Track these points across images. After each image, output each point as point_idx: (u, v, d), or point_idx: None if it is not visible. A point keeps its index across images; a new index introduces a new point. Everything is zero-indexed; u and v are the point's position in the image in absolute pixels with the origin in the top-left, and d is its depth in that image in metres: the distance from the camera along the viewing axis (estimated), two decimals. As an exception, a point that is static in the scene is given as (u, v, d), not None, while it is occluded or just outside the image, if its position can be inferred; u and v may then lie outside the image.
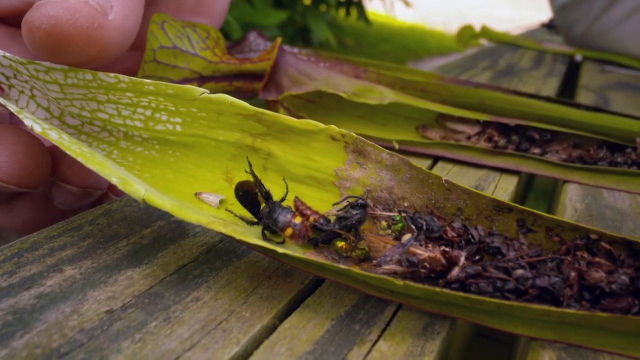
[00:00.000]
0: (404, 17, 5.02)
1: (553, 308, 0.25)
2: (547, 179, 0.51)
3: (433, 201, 0.31)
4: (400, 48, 3.24)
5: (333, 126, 0.32)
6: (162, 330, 0.26)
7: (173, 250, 0.33)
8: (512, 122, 0.51)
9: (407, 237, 0.28)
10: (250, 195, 0.30)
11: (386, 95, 0.51)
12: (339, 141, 0.32)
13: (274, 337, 0.27)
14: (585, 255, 0.28)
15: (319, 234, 0.31)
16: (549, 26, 1.94)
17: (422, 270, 0.27)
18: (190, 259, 0.32)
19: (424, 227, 0.28)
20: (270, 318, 0.28)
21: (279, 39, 0.53)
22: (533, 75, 0.98)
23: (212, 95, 0.33)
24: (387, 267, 0.28)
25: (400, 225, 0.29)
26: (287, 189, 0.31)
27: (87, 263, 0.31)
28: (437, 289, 0.25)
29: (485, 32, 1.32)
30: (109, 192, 0.43)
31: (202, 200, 0.33)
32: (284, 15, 2.11)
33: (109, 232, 0.34)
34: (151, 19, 0.48)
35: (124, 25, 0.34)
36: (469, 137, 0.52)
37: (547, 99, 0.66)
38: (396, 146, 0.50)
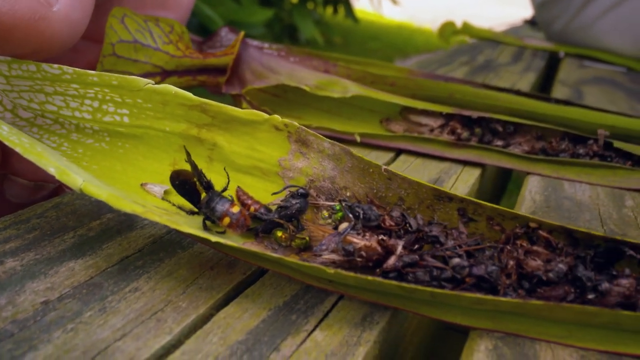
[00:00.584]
0: (392, 15, 5.02)
1: (486, 296, 0.25)
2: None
3: (375, 190, 0.31)
4: (388, 46, 3.24)
5: (276, 116, 0.32)
6: (95, 320, 0.26)
7: (119, 242, 0.33)
8: (475, 114, 0.51)
9: (343, 225, 0.28)
10: (189, 184, 0.30)
11: (349, 89, 0.51)
12: (282, 131, 0.32)
13: (208, 327, 0.27)
14: (524, 243, 0.28)
15: (260, 224, 0.30)
16: (532, 23, 1.94)
17: (359, 259, 0.27)
18: (135, 251, 0.32)
19: (361, 216, 0.28)
20: (207, 308, 0.28)
21: (242, 33, 0.53)
22: (510, 70, 0.98)
23: (157, 86, 0.33)
24: (327, 256, 0.28)
25: (340, 214, 0.29)
26: (228, 178, 0.31)
27: (29, 255, 0.31)
28: (370, 278, 0.25)
29: (467, 28, 1.32)
30: (63, 185, 0.43)
31: (147, 190, 0.33)
32: (270, 13, 2.11)
33: (57, 224, 0.34)
34: (110, 12, 0.47)
35: (69, 17, 0.33)
36: (432, 130, 0.52)
37: (517, 93, 0.66)
38: (358, 139, 0.50)
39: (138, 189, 0.34)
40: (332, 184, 0.31)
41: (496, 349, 0.26)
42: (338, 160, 0.31)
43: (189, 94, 0.32)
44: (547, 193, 0.45)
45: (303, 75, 0.52)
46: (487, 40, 1.34)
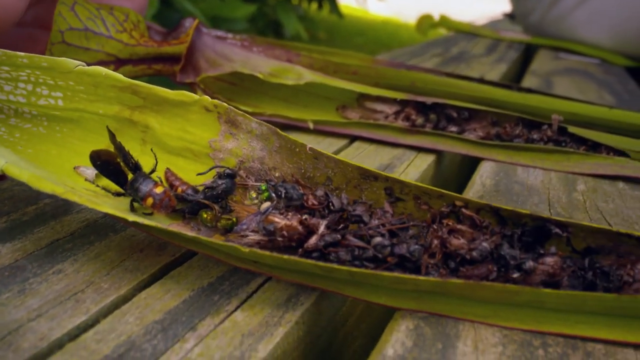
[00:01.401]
0: (377, 10, 5.02)
1: (406, 275, 0.25)
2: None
3: (303, 171, 0.30)
4: (374, 41, 3.24)
5: (206, 97, 0.31)
6: (12, 302, 0.26)
7: (52, 227, 0.32)
8: (429, 100, 0.50)
9: (265, 205, 0.28)
10: (113, 165, 0.29)
11: (304, 76, 0.51)
12: (212, 112, 0.31)
13: (126, 307, 0.26)
14: (450, 223, 0.28)
15: (187, 205, 0.30)
16: (511, 16, 1.94)
17: (280, 239, 0.27)
18: (66, 234, 0.32)
19: (283, 195, 0.28)
20: (130, 289, 0.27)
21: (196, 21, 0.53)
22: (482, 62, 0.98)
23: (87, 68, 0.32)
24: (252, 237, 0.28)
25: (266, 194, 0.29)
26: (156, 160, 0.31)
27: (-43, 240, 0.30)
28: (286, 257, 0.25)
29: (444, 21, 1.32)
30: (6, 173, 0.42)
31: (79, 173, 0.33)
32: (253, 8, 2.10)
33: (-9, 210, 0.34)
34: (59, 0, 0.47)
35: (3, 2, 0.33)
36: (387, 117, 0.51)
37: (480, 81, 0.66)
38: (311, 126, 0.50)
39: (72, 172, 0.34)
40: (261, 164, 0.31)
41: (417, 329, 0.26)
42: (266, 140, 0.31)
43: (119, 75, 0.32)
44: (499, 178, 0.45)
45: (257, 63, 0.52)
46: (464, 33, 1.34)
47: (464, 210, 0.28)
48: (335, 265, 0.25)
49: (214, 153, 0.32)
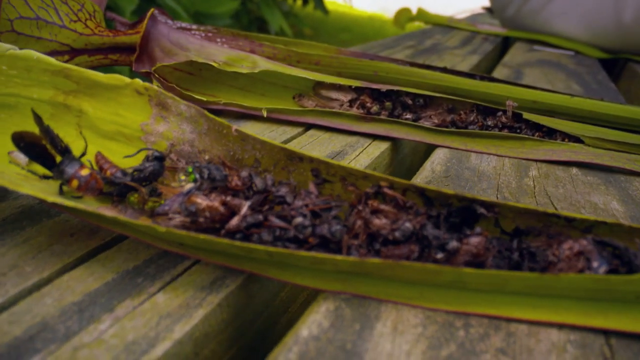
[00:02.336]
0: (363, 6, 5.02)
1: (324, 255, 0.25)
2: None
3: (232, 153, 0.30)
4: (359, 37, 3.23)
5: (137, 80, 0.31)
6: None
7: (-16, 213, 0.32)
8: (384, 87, 0.50)
9: (188, 186, 0.27)
10: (38, 148, 0.29)
11: (259, 64, 0.51)
12: (143, 95, 0.31)
13: (46, 290, 0.26)
14: (375, 203, 0.27)
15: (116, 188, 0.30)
16: (490, 10, 1.94)
17: (201, 220, 0.26)
18: (-2, 220, 0.31)
19: (206, 176, 0.27)
20: (53, 272, 0.27)
21: (151, 10, 0.52)
22: (454, 53, 0.98)
23: (19, 51, 0.32)
24: (179, 219, 0.28)
25: (192, 176, 0.28)
26: (86, 143, 0.31)
27: None
28: (202, 236, 0.24)
29: (421, 14, 1.32)
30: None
31: (13, 158, 0.33)
32: (236, 4, 2.09)
33: None
34: (10, -13, 0.46)
35: None
36: (342, 105, 0.51)
37: (443, 70, 0.65)
38: (264, 114, 0.49)
39: (6, 157, 0.33)
40: (191, 147, 0.30)
41: (337, 310, 0.26)
42: (195, 122, 0.30)
43: (51, 59, 0.31)
44: (450, 164, 0.45)
45: (212, 52, 0.51)
46: (442, 26, 1.34)
47: (386, 190, 0.28)
48: (252, 245, 0.24)
49: (146, 136, 0.31)
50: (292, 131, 0.49)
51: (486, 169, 0.45)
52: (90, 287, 0.26)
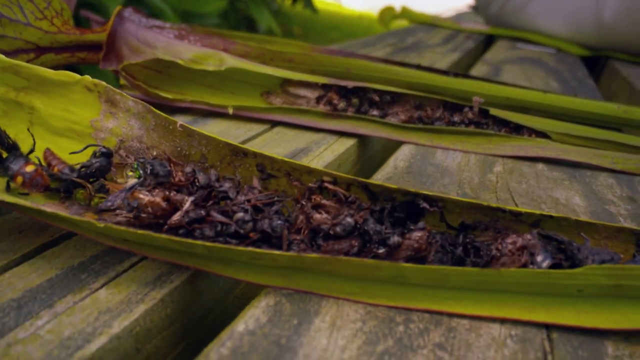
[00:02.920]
0: (353, 5, 5.02)
1: (261, 250, 0.25)
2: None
3: (179, 149, 0.30)
4: (349, 36, 3.23)
5: (87, 76, 0.31)
6: None
7: None
8: (350, 84, 0.50)
9: (131, 182, 0.27)
10: (-18, 144, 0.29)
11: (226, 61, 0.50)
12: (93, 91, 0.31)
13: (-15, 287, 0.26)
14: (318, 198, 0.27)
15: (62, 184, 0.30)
16: (476, 8, 1.94)
17: (144, 215, 0.26)
18: (-55, 219, 0.31)
19: (149, 172, 0.27)
20: (-4, 270, 0.27)
21: (118, 8, 0.52)
22: (435, 51, 0.98)
23: (-33, 48, 0.32)
24: (125, 215, 0.28)
25: (138, 172, 0.28)
26: (34, 140, 0.30)
27: None
28: (140, 232, 0.24)
29: (406, 12, 1.32)
30: None
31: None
32: (223, 3, 2.09)
33: None
34: (-28, -14, 0.46)
35: None
36: (309, 102, 0.51)
37: (417, 67, 0.65)
38: (230, 111, 0.49)
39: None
40: (140, 143, 0.30)
41: (277, 305, 0.26)
42: (143, 119, 0.30)
43: (0, 55, 0.31)
44: (414, 160, 0.45)
45: (179, 50, 0.51)
46: (426, 24, 1.34)
47: (327, 185, 0.28)
48: (190, 240, 0.24)
49: (96, 133, 0.31)
50: (258, 128, 0.49)
51: (450, 165, 0.45)
52: (32, 284, 0.26)
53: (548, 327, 0.26)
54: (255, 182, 0.28)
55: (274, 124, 0.50)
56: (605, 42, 1.12)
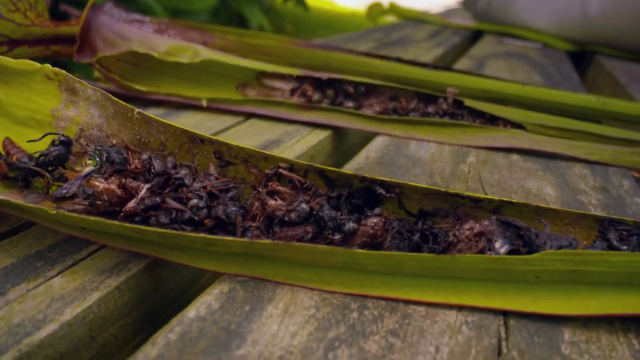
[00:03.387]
0: (345, 3, 5.02)
1: (213, 236, 0.25)
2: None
3: (139, 137, 0.30)
4: (341, 33, 3.22)
5: (47, 65, 0.31)
6: None
7: None
8: (325, 75, 0.50)
9: (87, 169, 0.27)
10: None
11: (200, 54, 0.50)
12: (53, 80, 0.31)
13: (-62, 276, 0.26)
14: (274, 185, 0.27)
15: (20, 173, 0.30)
16: (465, 4, 1.94)
17: (99, 203, 0.26)
18: None
19: (105, 159, 0.27)
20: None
21: (91, 1, 0.52)
22: (420, 46, 0.98)
23: None
24: (82, 202, 0.27)
25: (95, 160, 0.28)
26: (-8, 129, 0.30)
27: None
28: (92, 218, 0.24)
29: (393, 8, 1.32)
30: None
31: None
32: (214, 0, 2.08)
33: None
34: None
35: None
36: (284, 94, 0.51)
37: (396, 60, 0.65)
38: (204, 104, 0.49)
39: None
40: (100, 131, 0.30)
41: (231, 292, 0.25)
42: (103, 107, 0.30)
43: (-41, 45, 0.31)
44: (387, 151, 0.45)
45: (154, 42, 0.51)
46: (414, 20, 1.34)
47: (282, 171, 0.27)
48: (142, 227, 0.24)
49: (57, 122, 0.31)
50: (232, 120, 0.49)
51: (423, 156, 0.45)
52: (-15, 274, 0.26)
53: (506, 314, 0.26)
54: (212, 169, 0.28)
55: (249, 116, 0.50)
56: (591, 36, 1.12)
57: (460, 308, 0.26)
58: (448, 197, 0.29)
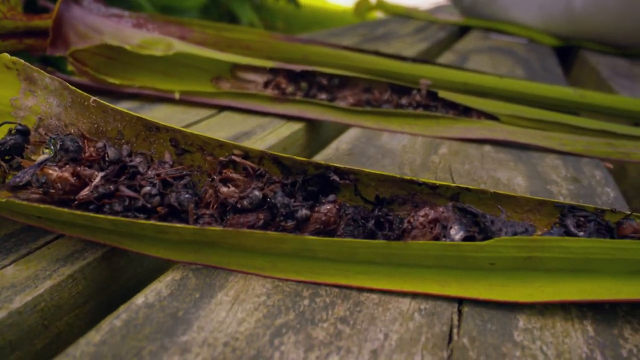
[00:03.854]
0: (337, 1, 5.01)
1: (165, 223, 0.25)
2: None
3: (97, 125, 0.30)
4: (332, 31, 3.22)
5: (5, 54, 0.30)
6: None
7: None
8: (298, 68, 0.50)
9: (41, 157, 0.27)
10: None
11: (174, 47, 0.50)
12: (12, 69, 0.31)
13: None
14: (228, 172, 0.27)
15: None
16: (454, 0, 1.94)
17: (52, 191, 0.26)
18: None
19: (58, 147, 0.27)
20: None
21: (63, -6, 0.52)
22: (404, 41, 0.98)
23: None
24: (36, 190, 0.27)
25: (51, 149, 0.28)
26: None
27: None
28: (42, 206, 0.24)
29: (381, 4, 1.32)
30: None
31: None
32: (205, -2, 2.08)
33: None
34: None
35: None
36: (258, 86, 0.51)
37: (375, 53, 0.65)
38: (177, 96, 0.49)
39: None
40: (58, 120, 0.30)
41: (182, 279, 0.25)
42: (60, 96, 0.30)
43: None
44: (358, 142, 0.45)
45: (128, 35, 0.51)
46: (401, 16, 1.34)
47: (235, 158, 0.27)
48: (92, 214, 0.24)
49: (16, 111, 0.31)
50: (205, 113, 0.49)
51: (395, 147, 0.45)
52: (-64, 266, 0.26)
53: (461, 302, 0.26)
54: (167, 157, 0.28)
55: (222, 109, 0.50)
56: (576, 31, 1.12)
57: (414, 295, 0.26)
58: (405, 184, 0.29)
